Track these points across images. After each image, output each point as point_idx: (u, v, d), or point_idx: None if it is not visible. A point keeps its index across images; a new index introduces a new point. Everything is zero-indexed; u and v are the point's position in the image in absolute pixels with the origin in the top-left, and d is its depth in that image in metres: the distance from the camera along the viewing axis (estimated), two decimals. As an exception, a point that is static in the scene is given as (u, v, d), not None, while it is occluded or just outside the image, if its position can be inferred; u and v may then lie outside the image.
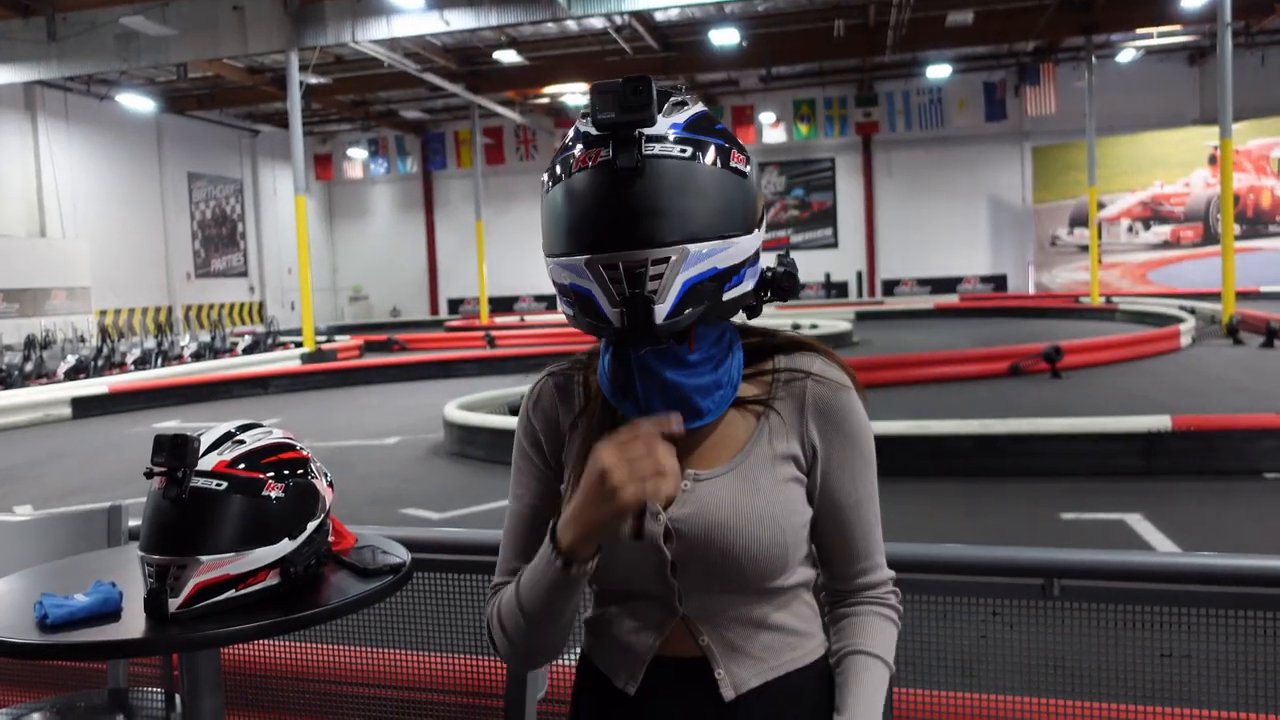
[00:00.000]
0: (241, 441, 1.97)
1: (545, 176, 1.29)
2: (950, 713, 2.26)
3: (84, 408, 15.69)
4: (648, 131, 1.21)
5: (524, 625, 1.33)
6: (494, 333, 25.88)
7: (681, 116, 1.26)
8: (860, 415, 1.38)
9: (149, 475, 1.88)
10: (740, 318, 1.38)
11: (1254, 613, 2.01)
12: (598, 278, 1.22)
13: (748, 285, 1.30)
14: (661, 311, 1.21)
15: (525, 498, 1.45)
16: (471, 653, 2.77)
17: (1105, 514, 6.93)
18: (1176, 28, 26.31)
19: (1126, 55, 29.69)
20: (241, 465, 1.93)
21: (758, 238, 1.31)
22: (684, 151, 1.22)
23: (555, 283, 1.29)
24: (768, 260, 1.36)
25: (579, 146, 1.24)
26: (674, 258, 1.20)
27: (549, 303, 37.39)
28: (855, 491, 1.38)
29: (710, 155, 1.24)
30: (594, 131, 1.22)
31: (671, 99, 1.28)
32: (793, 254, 1.37)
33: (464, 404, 11.44)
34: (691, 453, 1.35)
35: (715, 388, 1.33)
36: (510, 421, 10.69)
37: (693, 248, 1.21)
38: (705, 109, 1.31)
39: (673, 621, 1.35)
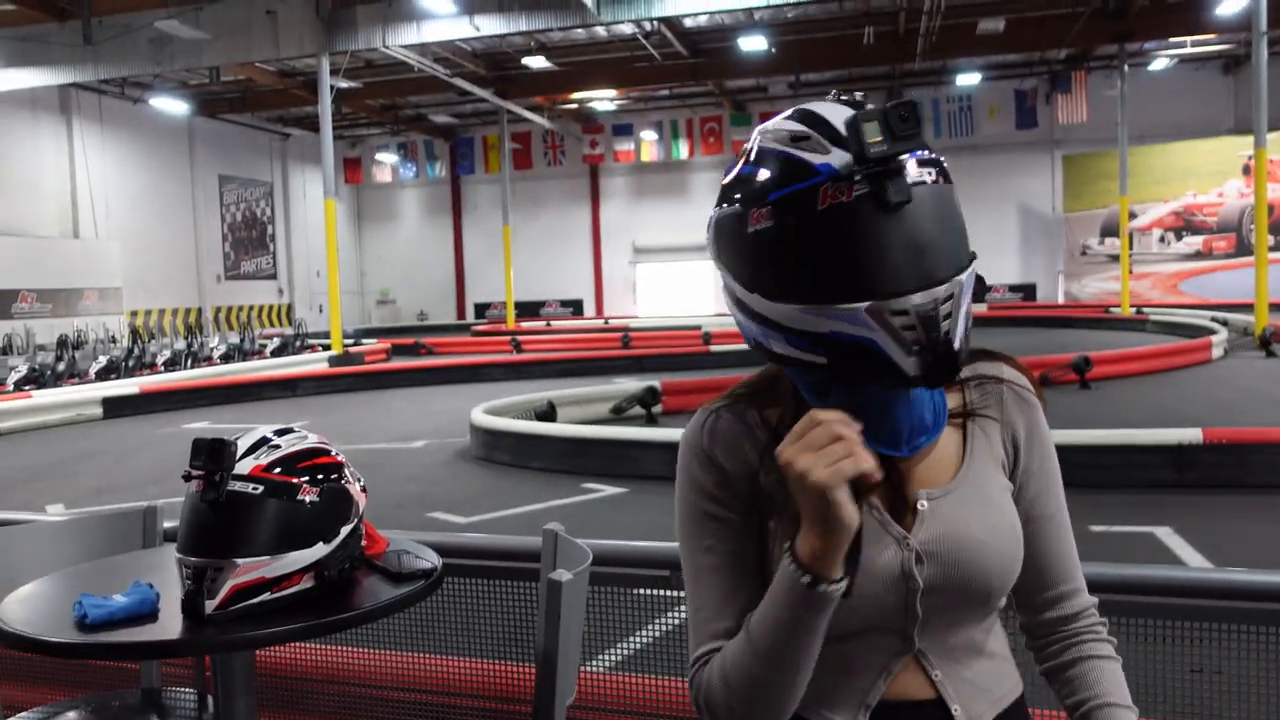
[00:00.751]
0: (277, 446, 2.00)
1: (752, 207, 1.14)
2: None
3: (115, 408, 15.85)
4: (912, 152, 1.11)
5: (763, 674, 1.15)
6: (520, 338, 25.95)
7: (915, 140, 1.13)
8: (1046, 422, 1.33)
9: (187, 478, 1.91)
10: None
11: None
12: (884, 325, 1.10)
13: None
14: (959, 349, 1.13)
15: (719, 547, 1.25)
16: (500, 658, 2.78)
17: (1134, 526, 6.88)
18: (1211, 36, 26.07)
19: (1160, 64, 29.47)
20: (277, 470, 1.95)
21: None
22: (929, 174, 1.12)
23: (804, 330, 1.14)
24: None
25: (826, 180, 1.10)
26: (955, 293, 1.11)
27: (574, 308, 37.49)
28: (1055, 501, 1.31)
29: (943, 174, 1.16)
30: (838, 162, 1.10)
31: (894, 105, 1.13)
32: None
33: (490, 408, 11.48)
34: (911, 476, 1.24)
35: (932, 402, 1.25)
36: (536, 427, 10.74)
37: (964, 276, 1.13)
38: None
39: (905, 658, 1.22)
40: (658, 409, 12.69)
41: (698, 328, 24.27)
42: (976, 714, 1.24)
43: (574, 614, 2.00)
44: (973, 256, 1.16)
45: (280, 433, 2.05)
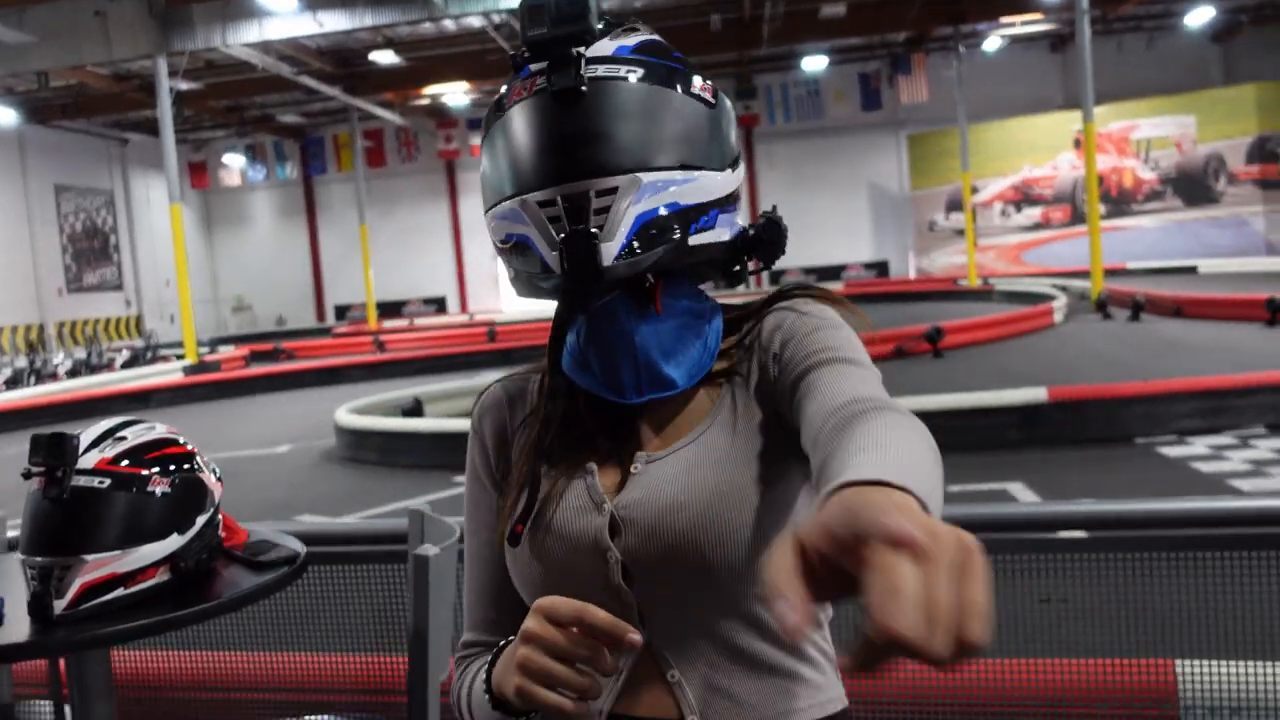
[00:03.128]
0: (123, 438, 1.94)
1: (482, 128, 1.12)
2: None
3: (-48, 432, 15.00)
4: (590, 52, 1.04)
5: None
6: (383, 337, 25.51)
7: (632, 40, 1.08)
8: (830, 312, 1.13)
9: (27, 476, 1.84)
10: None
11: (1122, 555, 2.13)
12: (534, 219, 1.03)
13: (721, 233, 1.09)
14: (609, 251, 1.01)
15: (483, 532, 1.18)
16: (371, 650, 2.75)
17: (988, 484, 7.18)
18: (1038, 16, 27.26)
19: (993, 44, 30.67)
20: (124, 462, 1.89)
21: (732, 179, 1.10)
22: (633, 72, 1.04)
23: (496, 246, 1.10)
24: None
25: (514, 79, 1.07)
26: (621, 187, 1.01)
27: (438, 305, 37.04)
28: (824, 353, 1.06)
29: (667, 77, 1.06)
30: (528, 58, 1.05)
31: (622, 26, 1.10)
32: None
33: (355, 408, 11.28)
34: (646, 435, 1.12)
35: (685, 354, 1.12)
36: (403, 423, 10.60)
37: (646, 177, 1.02)
38: (660, 39, 1.12)
39: (633, 655, 1.05)
40: (526, 400, 12.64)
41: (563, 319, 24.14)
42: None
43: (443, 589, 2.00)
44: (691, 168, 1.05)
45: (126, 424, 1.99)
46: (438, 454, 9.64)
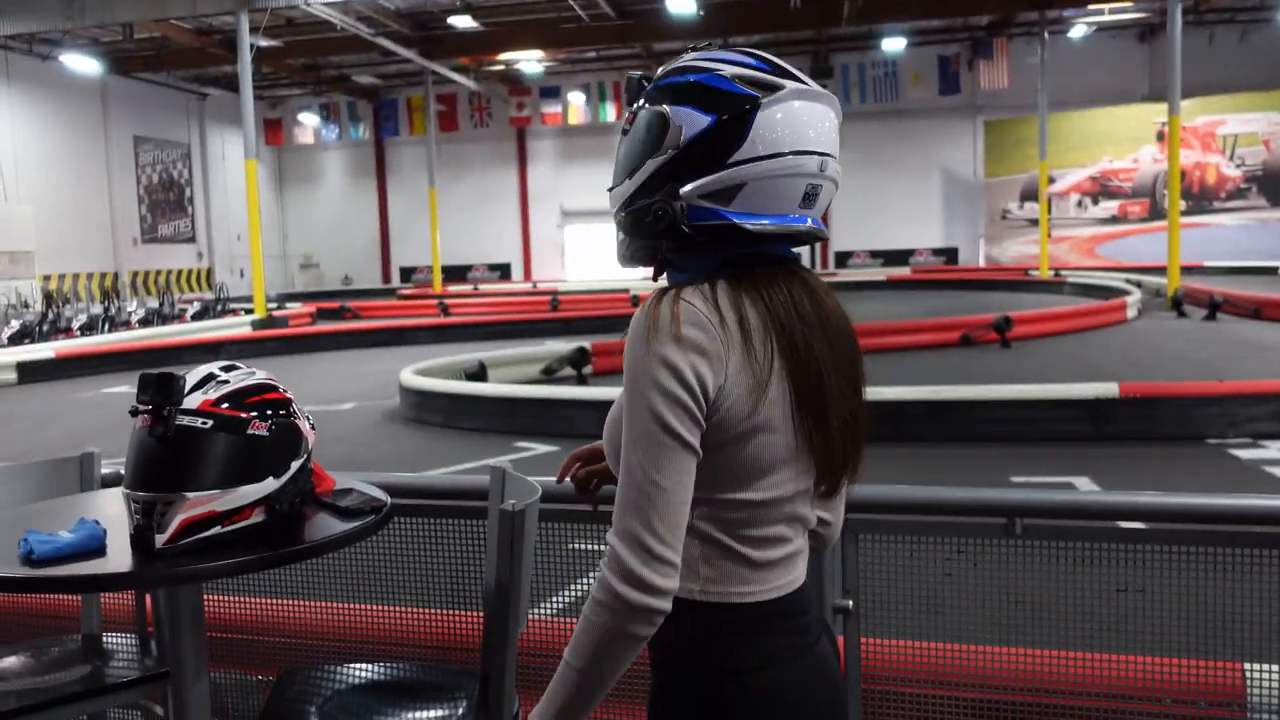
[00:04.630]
0: (225, 382, 1.99)
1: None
2: (914, 660, 2.34)
3: (30, 373, 15.43)
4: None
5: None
6: (447, 301, 25.74)
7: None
8: (633, 358, 1.31)
9: (134, 413, 1.90)
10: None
11: (1200, 549, 2.10)
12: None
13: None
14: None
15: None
16: (449, 605, 2.79)
17: (1054, 477, 7.09)
18: (1128, 4, 26.61)
19: (1078, 31, 30.01)
20: (225, 404, 1.95)
21: (626, 187, 1.42)
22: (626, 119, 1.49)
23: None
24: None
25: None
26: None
27: (502, 272, 37.26)
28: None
29: (631, 117, 1.45)
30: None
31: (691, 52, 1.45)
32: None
33: (420, 369, 11.41)
34: None
35: None
36: (467, 387, 10.71)
37: (613, 187, 1.49)
38: (669, 67, 1.42)
39: None
40: (588, 369, 12.71)
41: (626, 290, 24.27)
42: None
43: (525, 545, 2.03)
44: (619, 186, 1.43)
45: (227, 368, 2.04)
46: (500, 419, 9.74)
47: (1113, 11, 27.88)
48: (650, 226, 1.37)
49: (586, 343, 13.10)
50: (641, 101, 1.41)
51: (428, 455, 8.77)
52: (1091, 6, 26.98)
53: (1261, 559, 2.14)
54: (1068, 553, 2.18)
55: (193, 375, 1.99)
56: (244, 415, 1.95)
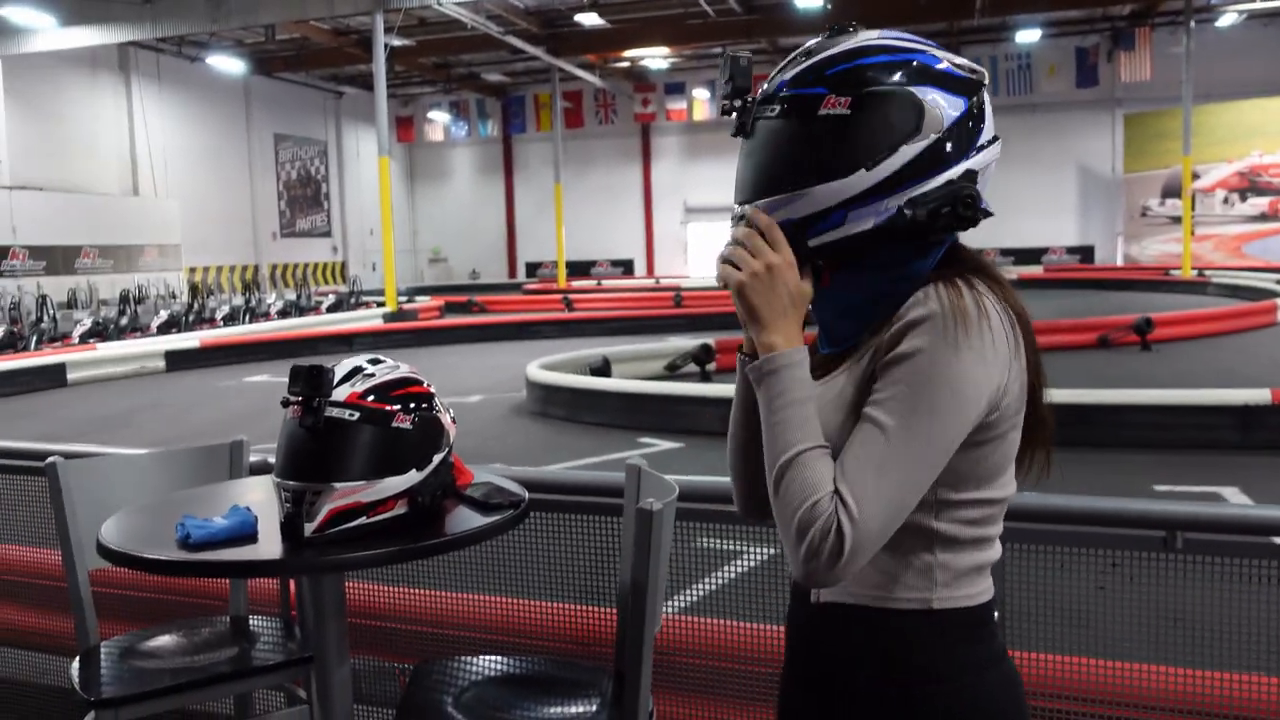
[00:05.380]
0: (371, 375, 2.03)
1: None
2: (1062, 675, 2.24)
3: (177, 361, 16.15)
4: (766, 91, 1.32)
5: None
6: (571, 296, 26.01)
7: (791, 73, 1.31)
8: (929, 358, 1.22)
9: (285, 404, 1.94)
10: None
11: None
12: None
13: (854, 226, 1.28)
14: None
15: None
16: (583, 599, 2.80)
17: (1200, 486, 6.79)
18: (1282, -9, 25.33)
19: (1228, 19, 28.63)
20: (371, 397, 1.98)
21: (866, 177, 1.26)
22: (773, 111, 1.31)
23: None
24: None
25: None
26: (741, 215, 1.35)
27: (625, 268, 37.47)
28: (876, 411, 1.23)
29: (802, 107, 1.29)
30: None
31: (803, 48, 1.34)
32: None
33: (546, 364, 11.54)
34: (824, 367, 1.39)
35: (845, 320, 1.36)
36: (592, 382, 10.79)
37: (761, 203, 1.32)
38: (848, 48, 1.30)
39: None
40: (712, 366, 12.68)
41: (750, 287, 24.05)
42: (831, 598, 1.34)
43: (662, 544, 2.01)
44: (795, 189, 1.29)
45: (373, 362, 2.07)
46: (624, 414, 9.78)
47: (1266, -1, 26.58)
48: (947, 218, 1.28)
49: (710, 339, 13.07)
50: (821, 89, 1.28)
51: (553, 448, 8.86)
52: (1243, -7, 25.77)
53: None
54: (1232, 569, 2.06)
55: (340, 367, 2.03)
56: (389, 408, 1.98)
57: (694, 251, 36.88)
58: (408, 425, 2.00)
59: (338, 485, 1.90)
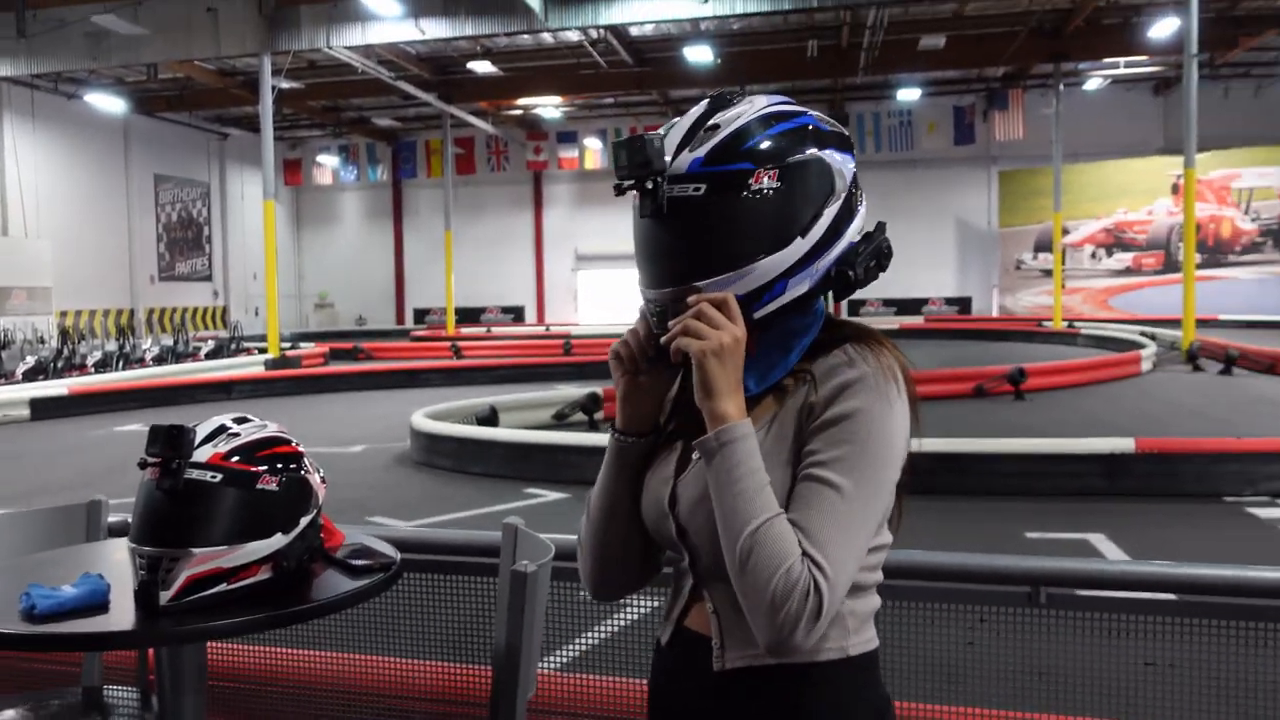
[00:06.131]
0: (236, 434, 1.96)
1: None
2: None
3: (43, 409, 15.44)
4: (673, 168, 1.30)
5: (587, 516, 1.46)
6: (460, 344, 25.79)
7: (704, 149, 1.30)
8: (869, 416, 1.26)
9: (143, 465, 1.87)
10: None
11: (1237, 623, 2.04)
12: (647, 304, 1.37)
13: (795, 291, 1.33)
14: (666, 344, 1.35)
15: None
16: (452, 659, 2.75)
17: (1069, 533, 6.99)
18: (1143, 58, 26.74)
19: (1094, 84, 30.14)
20: (236, 458, 1.92)
21: (801, 245, 1.31)
22: (697, 190, 1.29)
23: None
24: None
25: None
26: (667, 302, 1.32)
27: (516, 315, 37.35)
28: (823, 471, 1.26)
29: (729, 183, 1.28)
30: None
31: (706, 125, 1.32)
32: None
33: (431, 413, 11.38)
34: None
35: (765, 364, 1.36)
36: (478, 431, 10.67)
37: (702, 284, 1.30)
38: (752, 120, 1.31)
39: (688, 586, 1.39)
40: (599, 415, 12.66)
41: (639, 336, 24.17)
42: (730, 658, 1.32)
43: (537, 607, 1.99)
44: (744, 265, 1.29)
45: (239, 420, 2.01)
46: (511, 464, 9.68)
47: (1128, 65, 28.02)
48: (871, 272, 1.37)
49: (599, 388, 13.06)
50: (746, 164, 1.29)
51: (437, 500, 8.72)
52: (1107, 60, 27.12)
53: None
54: (1093, 623, 2.12)
55: (204, 427, 1.96)
56: (254, 470, 1.92)
57: (584, 298, 36.99)
58: (274, 487, 1.94)
59: (196, 551, 1.83)
